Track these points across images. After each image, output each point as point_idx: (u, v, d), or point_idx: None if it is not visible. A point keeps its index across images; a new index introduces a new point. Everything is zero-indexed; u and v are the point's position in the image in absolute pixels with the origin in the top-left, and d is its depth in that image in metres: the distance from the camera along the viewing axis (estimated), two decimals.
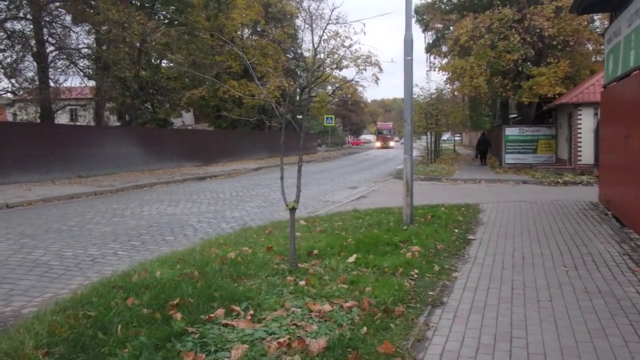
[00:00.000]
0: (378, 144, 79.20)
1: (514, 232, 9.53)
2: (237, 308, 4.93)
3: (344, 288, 5.64)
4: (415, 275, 6.27)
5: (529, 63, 27.85)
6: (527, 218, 11.09)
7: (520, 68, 28.02)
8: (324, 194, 17.49)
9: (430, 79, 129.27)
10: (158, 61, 35.20)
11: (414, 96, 16.87)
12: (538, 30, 26.10)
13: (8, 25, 24.15)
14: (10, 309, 5.87)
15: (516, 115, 38.60)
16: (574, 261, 7.24)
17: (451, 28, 32.20)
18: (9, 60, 24.17)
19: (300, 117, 24.45)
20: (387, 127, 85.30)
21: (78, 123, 34.27)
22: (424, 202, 12.82)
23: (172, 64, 35.24)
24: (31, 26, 24.84)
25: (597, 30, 29.23)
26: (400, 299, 5.32)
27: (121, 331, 4.32)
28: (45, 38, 25.35)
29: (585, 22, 27.32)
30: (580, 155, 23.19)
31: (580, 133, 23.14)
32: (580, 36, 26.60)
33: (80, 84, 29.53)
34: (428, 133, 33.93)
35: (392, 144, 79.31)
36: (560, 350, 4.21)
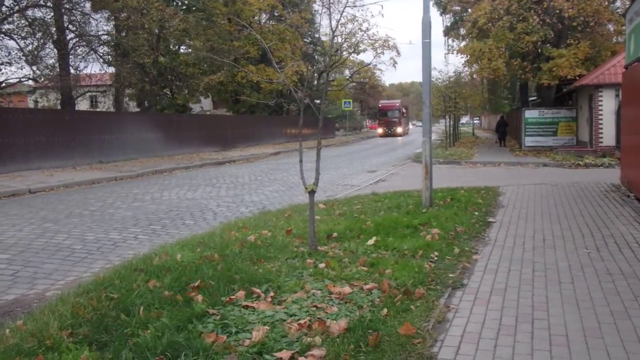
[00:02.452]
0: (380, 130, 59.00)
1: (535, 214, 9.42)
2: (258, 290, 4.94)
3: (364, 270, 5.62)
4: (435, 258, 6.23)
5: (548, 45, 27.34)
6: (547, 200, 10.95)
7: (539, 50, 27.54)
8: (343, 178, 17.45)
9: (449, 62, 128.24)
10: (176, 47, 35.25)
11: (432, 79, 16.68)
12: (557, 11, 25.59)
13: (29, 12, 24.34)
14: (34, 292, 5.96)
15: (536, 97, 38.05)
16: (596, 243, 7.14)
17: (469, 10, 31.72)
18: (30, 47, 24.38)
19: (318, 101, 24.35)
20: (392, 106, 60.74)
21: (98, 109, 34.56)
22: (443, 185, 12.71)
23: (190, 50, 35.26)
24: (52, 13, 25.01)
25: (618, 10, 28.57)
26: (421, 281, 5.29)
27: (143, 313, 4.35)
28: (65, 25, 25.52)
29: (606, 3, 26.72)
30: (601, 137, 22.82)
31: (601, 115, 22.75)
32: (601, 17, 26.01)
33: (100, 70, 29.72)
34: (447, 116, 33.63)
35: (400, 129, 58.01)
36: (583, 331, 4.15)
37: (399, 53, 44.40)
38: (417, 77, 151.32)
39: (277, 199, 12.83)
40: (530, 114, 27.34)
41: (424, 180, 9.98)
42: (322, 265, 5.80)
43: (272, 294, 4.89)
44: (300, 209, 9.80)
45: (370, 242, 6.82)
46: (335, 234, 7.32)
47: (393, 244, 6.72)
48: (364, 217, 8.76)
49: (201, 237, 7.32)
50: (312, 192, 6.53)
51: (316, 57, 48.96)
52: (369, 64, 53.78)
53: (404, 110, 66.09)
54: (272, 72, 33.85)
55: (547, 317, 4.46)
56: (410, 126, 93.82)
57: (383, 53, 46.23)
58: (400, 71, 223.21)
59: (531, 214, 9.48)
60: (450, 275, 5.65)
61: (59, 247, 8.00)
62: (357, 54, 47.18)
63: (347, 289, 4.97)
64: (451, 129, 34.22)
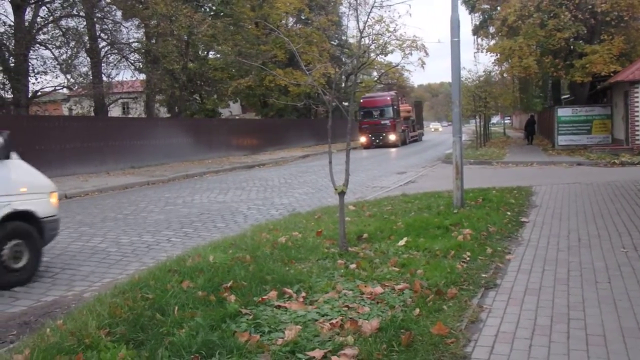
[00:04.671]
0: (362, 138, 39.05)
1: (569, 214, 9.27)
2: (289, 290, 4.98)
3: (395, 271, 5.62)
4: (467, 258, 6.18)
5: (581, 41, 26.86)
6: (582, 200, 10.76)
7: (572, 46, 27.07)
8: (372, 180, 17.42)
9: (478, 61, 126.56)
10: (205, 53, 35.70)
11: (461, 79, 16.54)
12: (590, 7, 25.13)
13: (63, 22, 24.93)
14: (72, 294, 6.13)
15: (568, 95, 37.42)
16: (634, 242, 6.99)
17: (498, 8, 31.38)
18: (64, 56, 24.98)
19: (346, 103, 24.34)
20: (380, 101, 40.17)
21: (129, 115, 35.18)
22: (474, 185, 12.59)
23: (218, 55, 35.66)
24: (84, 23, 25.60)
25: None
26: (453, 281, 5.26)
27: (178, 312, 4.44)
28: (97, 34, 26.12)
29: None
30: (638, 135, 22.29)
31: (637, 112, 22.23)
32: (636, 11, 25.43)
33: (131, 77, 30.36)
34: (477, 116, 33.31)
35: (393, 137, 38.57)
36: (621, 331, 4.08)
37: (427, 53, 44.04)
38: (446, 78, 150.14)
39: (307, 201, 12.88)
40: (563, 112, 26.88)
41: (455, 180, 9.92)
42: (353, 265, 5.81)
43: (303, 294, 4.93)
44: (330, 210, 9.83)
45: (401, 242, 6.81)
46: (365, 235, 7.33)
47: (424, 245, 6.70)
48: (394, 218, 8.75)
49: (233, 239, 7.40)
50: (342, 194, 6.56)
51: (343, 59, 49.03)
52: (396, 65, 53.55)
53: (409, 109, 46.90)
54: (299, 75, 33.97)
55: (583, 317, 4.40)
56: (440, 128, 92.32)
57: (411, 53, 45.80)
58: (428, 71, 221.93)
59: (565, 213, 9.34)
60: (483, 275, 5.60)
61: (94, 250, 8.19)
62: (385, 55, 46.96)
63: (378, 289, 4.98)
64: (481, 129, 33.87)
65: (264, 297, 4.81)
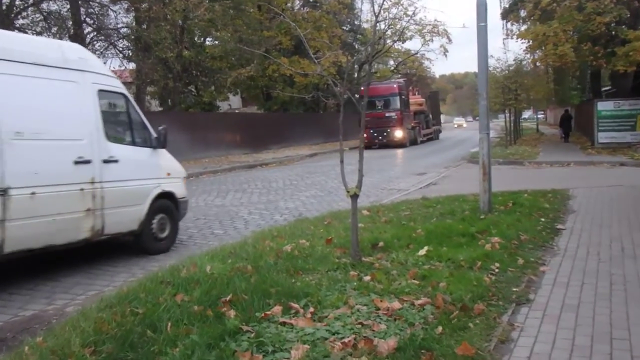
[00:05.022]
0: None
1: (611, 220, 9.22)
2: (296, 305, 4.98)
3: (415, 284, 5.61)
4: (496, 270, 6.17)
5: (623, 26, 26.70)
6: (625, 205, 10.71)
7: (613, 32, 26.92)
8: (388, 182, 17.41)
9: (508, 48, 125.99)
10: (202, 39, 35.84)
11: (489, 68, 16.44)
12: None
13: (44, 6, 25.10)
14: (53, 308, 6.15)
15: (609, 87, 37.23)
16: None
17: None
18: None
19: (359, 95, 24.35)
20: (384, 91, 36.46)
21: None
22: (504, 188, 12.55)
23: (217, 42, 35.75)
24: (68, 6, 25.72)
25: None
26: (480, 295, 5.25)
27: (171, 329, 4.45)
28: (82, 18, 26.19)
29: None
30: None
31: None
32: None
33: (120, 66, 30.39)
34: (506, 110, 33.19)
35: (399, 133, 36.44)
36: None
37: (450, 40, 44.01)
38: (472, 67, 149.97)
39: (315, 205, 12.88)
40: (604, 106, 26.74)
41: (482, 182, 9.89)
42: (367, 277, 5.81)
43: (311, 309, 4.92)
44: (341, 215, 9.83)
45: (422, 252, 6.80)
46: (381, 244, 7.32)
47: (447, 254, 6.68)
48: (414, 224, 8.73)
49: (232, 247, 7.41)
50: (354, 197, 6.55)
51: (356, 46, 49.02)
52: (416, 53, 53.49)
53: (421, 102, 44.74)
54: (307, 64, 33.99)
55: (628, 337, 4.37)
56: (464, 123, 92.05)
57: (432, 40, 45.59)
58: (452, 60, 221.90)
59: (607, 219, 9.29)
60: (514, 289, 5.59)
61: (78, 259, 8.20)
62: (403, 42, 47.00)
63: (396, 305, 4.97)
64: (512, 124, 33.76)
65: (267, 312, 4.81)
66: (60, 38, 25.50)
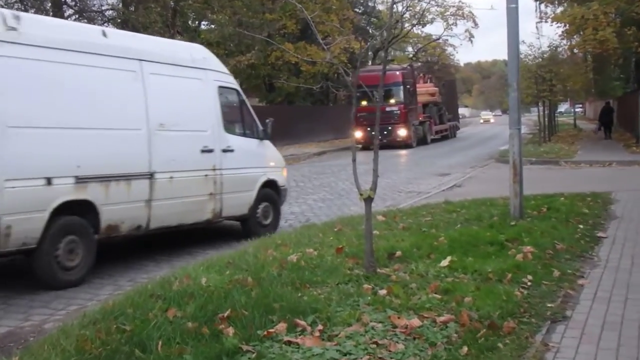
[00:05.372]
0: (357, 133, 26.87)
1: None
2: (302, 322, 4.98)
3: (437, 298, 5.60)
4: (529, 283, 6.15)
5: None
6: None
7: None
8: (406, 183, 17.42)
9: (541, 33, 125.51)
10: (196, 23, 35.96)
11: (520, 56, 16.39)
12: None
13: None
14: (29, 324, 6.19)
15: None
16: None
17: None
18: None
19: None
20: (389, 78, 31.46)
21: None
22: (537, 191, 12.52)
23: (213, 26, 35.84)
24: None
25: None
26: (510, 312, 5.24)
27: (162, 348, 4.45)
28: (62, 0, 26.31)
29: None
30: None
31: None
32: None
33: None
34: (539, 103, 33.12)
35: (402, 132, 35.08)
36: None
37: (476, 23, 43.99)
38: (501, 54, 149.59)
39: (324, 210, 12.90)
40: None
41: (512, 184, 9.87)
42: (382, 291, 5.80)
43: (320, 327, 4.92)
44: (354, 221, 9.83)
45: (444, 262, 6.79)
46: (398, 253, 7.31)
47: (473, 265, 6.67)
48: (435, 231, 8.73)
49: (230, 257, 7.42)
50: (369, 200, 6.55)
51: (371, 30, 49.04)
52: (437, 39, 53.54)
53: (433, 92, 42.68)
54: (315, 51, 34.04)
55: None
56: (491, 118, 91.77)
57: (456, 24, 45.64)
58: (478, 47, 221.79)
59: None
60: (549, 305, 5.58)
61: None
62: (423, 26, 47.04)
63: (415, 322, 4.96)
64: (546, 119, 33.68)
65: (270, 330, 4.81)
66: None
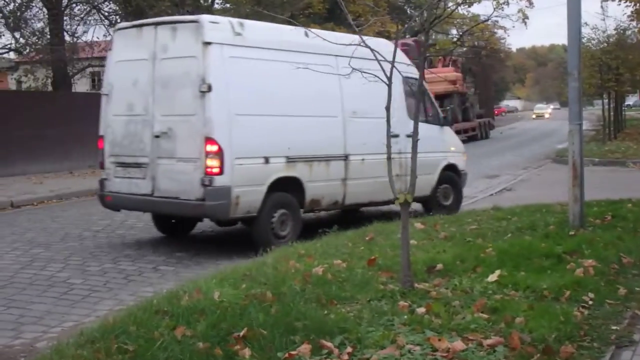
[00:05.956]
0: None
1: None
2: (329, 344, 4.98)
3: (483, 318, 5.57)
4: (590, 302, 6.11)
5: None
6: None
7: None
8: None
9: (607, 14, 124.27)
10: (209, 1, 36.05)
11: (582, 40, 16.20)
12: None
13: None
14: (20, 342, 6.26)
15: None
16: None
17: None
18: (11, 7, 25.34)
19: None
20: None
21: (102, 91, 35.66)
22: (600, 196, 12.43)
23: (228, 5, 35.95)
24: None
25: None
26: (568, 335, 5.20)
27: None
28: None
29: None
30: None
31: None
32: None
33: (105, 36, 30.59)
34: (604, 95, 32.84)
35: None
36: None
37: (531, 2, 43.52)
38: (559, 39, 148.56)
39: (354, 216, 12.88)
40: None
41: (572, 188, 9.80)
42: (421, 310, 5.79)
43: (349, 349, 4.92)
44: (388, 229, 9.83)
45: (492, 277, 6.76)
46: (439, 266, 7.30)
47: (526, 281, 6.64)
48: (482, 241, 8.70)
49: (247, 269, 7.45)
50: (406, 204, 6.54)
51: (409, 11, 48.95)
52: (486, 20, 52.96)
53: (454, 79, 40.13)
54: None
55: None
56: (547, 112, 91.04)
57: (507, 3, 45.20)
58: (533, 30, 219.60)
59: None
60: (613, 327, 5.53)
61: (52, 281, 8.36)
62: (469, 6, 46.56)
63: (459, 345, 4.94)
64: (611, 113, 33.37)
65: (292, 352, 4.82)
66: (30, 0, 25.90)
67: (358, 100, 10.93)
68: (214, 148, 9.32)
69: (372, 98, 9.96)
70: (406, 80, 11.38)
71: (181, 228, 11.69)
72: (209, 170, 9.35)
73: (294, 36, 10.04)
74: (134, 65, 10.32)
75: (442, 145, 13.01)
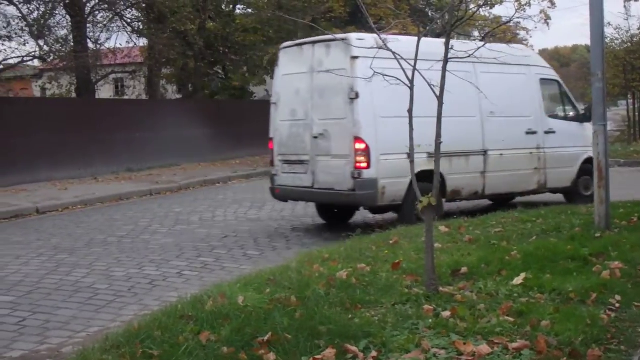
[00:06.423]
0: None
1: None
2: (354, 348, 4.97)
3: (509, 321, 5.54)
4: (617, 304, 6.06)
5: None
6: None
7: None
8: None
9: (630, 13, 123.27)
10: (231, 7, 36.17)
11: (606, 40, 16.08)
12: None
13: None
14: (46, 347, 6.32)
15: None
16: None
17: None
18: (35, 14, 25.55)
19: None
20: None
21: (125, 97, 35.95)
22: (626, 197, 12.35)
23: (249, 10, 36.04)
24: None
25: None
26: (595, 338, 5.15)
27: None
28: None
29: None
30: None
31: None
32: None
33: (128, 42, 30.85)
34: (629, 95, 32.60)
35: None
36: None
37: (553, 3, 43.31)
38: (581, 39, 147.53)
39: (378, 219, 12.88)
40: None
41: (597, 189, 9.74)
42: (446, 313, 5.77)
43: (374, 353, 4.92)
44: (412, 232, 9.81)
45: (517, 280, 6.72)
46: (464, 269, 7.28)
47: (551, 284, 6.60)
48: (507, 244, 8.66)
49: (271, 273, 7.47)
50: (429, 207, 6.52)
51: (430, 13, 48.81)
52: (508, 22, 52.73)
53: None
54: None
55: None
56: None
57: (529, 4, 45.02)
58: (556, 30, 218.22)
59: None
60: None
61: (77, 286, 8.43)
62: (491, 7, 46.38)
63: (484, 349, 4.92)
64: (636, 113, 33.10)
65: (316, 356, 4.82)
66: (54, 8, 26.13)
67: (495, 101, 11.84)
68: (362, 146, 10.96)
69: (508, 99, 11.91)
70: (544, 81, 13.61)
71: (341, 216, 13.22)
72: (358, 165, 11.00)
73: (434, 47, 10.37)
74: (296, 77, 12.13)
75: (581, 140, 13.92)
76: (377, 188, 11.08)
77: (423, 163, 10.80)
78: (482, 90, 11.23)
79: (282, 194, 12.81)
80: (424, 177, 10.79)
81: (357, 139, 11.01)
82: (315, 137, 11.75)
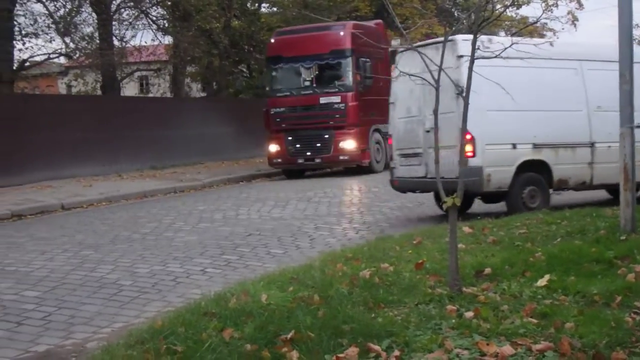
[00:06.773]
0: (272, 147, 23.18)
1: None
2: (376, 347, 4.98)
3: (532, 323, 5.52)
4: None
5: None
6: None
7: None
8: None
9: None
10: (256, 5, 36.25)
11: (634, 41, 15.92)
12: None
13: None
14: (71, 342, 6.37)
15: None
16: None
17: None
18: (61, 12, 25.78)
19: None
20: (322, 45, 23.35)
21: (150, 95, 36.12)
22: None
23: (275, 9, 36.08)
24: None
25: None
26: (619, 340, 5.11)
27: None
28: None
29: None
30: None
31: None
32: None
33: (153, 40, 31.02)
34: None
35: (351, 144, 22.78)
36: None
37: (580, 4, 42.93)
38: (610, 40, 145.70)
39: (402, 220, 12.91)
40: None
41: (623, 192, 9.65)
42: (469, 314, 5.76)
43: (396, 352, 4.91)
44: (435, 233, 9.80)
45: (541, 282, 6.69)
46: (487, 270, 7.25)
47: (575, 286, 6.56)
48: (531, 245, 8.60)
49: (294, 272, 7.50)
50: (453, 208, 6.52)
51: (456, 13, 48.60)
52: (535, 22, 52.28)
53: None
54: (392, 36, 33.88)
55: None
56: None
57: (557, 5, 44.51)
58: (583, 31, 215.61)
59: None
60: None
61: (101, 282, 8.49)
62: (518, 8, 46.09)
63: (507, 350, 4.91)
64: None
65: (339, 355, 4.83)
66: (80, 5, 26.31)
67: (602, 96, 12.53)
68: (468, 137, 11.27)
69: (612, 93, 11.64)
70: None
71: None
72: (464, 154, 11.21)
73: (539, 47, 10.79)
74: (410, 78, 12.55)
75: None
76: (483, 175, 11.97)
77: (528, 153, 12.32)
78: (588, 86, 12.70)
79: (400, 185, 13.66)
80: (529, 167, 12.61)
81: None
82: (427, 131, 12.41)
